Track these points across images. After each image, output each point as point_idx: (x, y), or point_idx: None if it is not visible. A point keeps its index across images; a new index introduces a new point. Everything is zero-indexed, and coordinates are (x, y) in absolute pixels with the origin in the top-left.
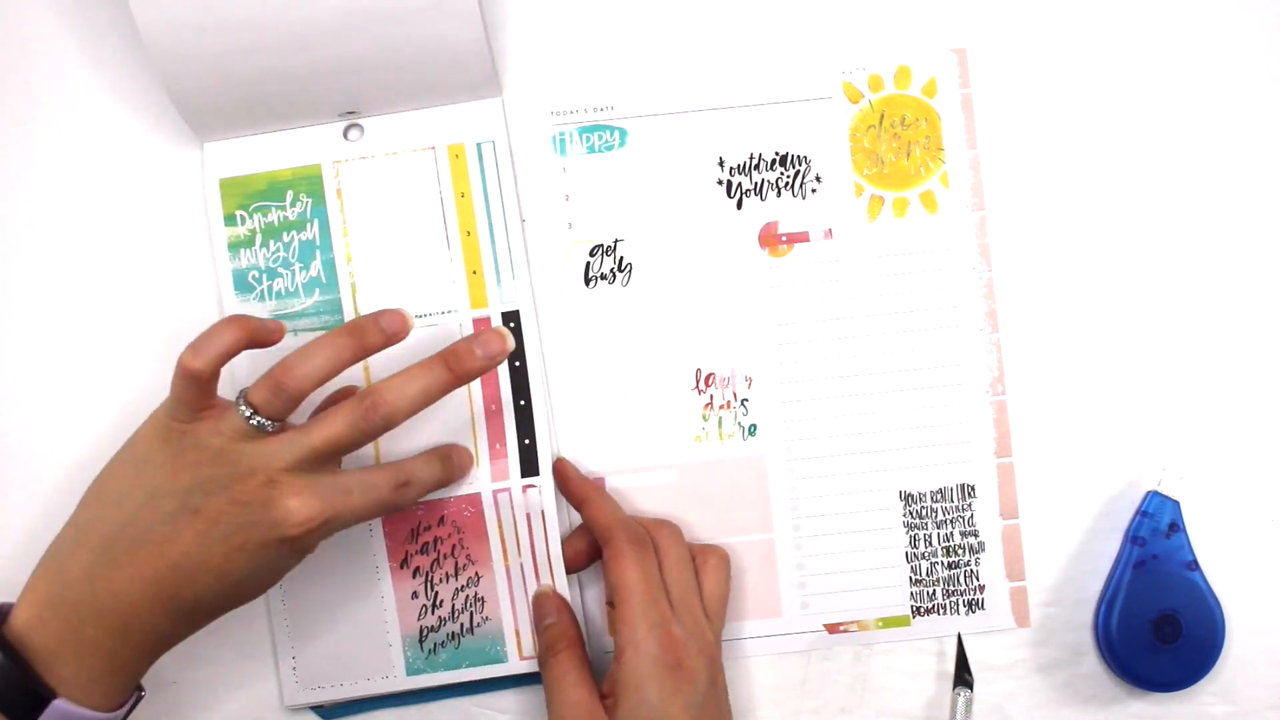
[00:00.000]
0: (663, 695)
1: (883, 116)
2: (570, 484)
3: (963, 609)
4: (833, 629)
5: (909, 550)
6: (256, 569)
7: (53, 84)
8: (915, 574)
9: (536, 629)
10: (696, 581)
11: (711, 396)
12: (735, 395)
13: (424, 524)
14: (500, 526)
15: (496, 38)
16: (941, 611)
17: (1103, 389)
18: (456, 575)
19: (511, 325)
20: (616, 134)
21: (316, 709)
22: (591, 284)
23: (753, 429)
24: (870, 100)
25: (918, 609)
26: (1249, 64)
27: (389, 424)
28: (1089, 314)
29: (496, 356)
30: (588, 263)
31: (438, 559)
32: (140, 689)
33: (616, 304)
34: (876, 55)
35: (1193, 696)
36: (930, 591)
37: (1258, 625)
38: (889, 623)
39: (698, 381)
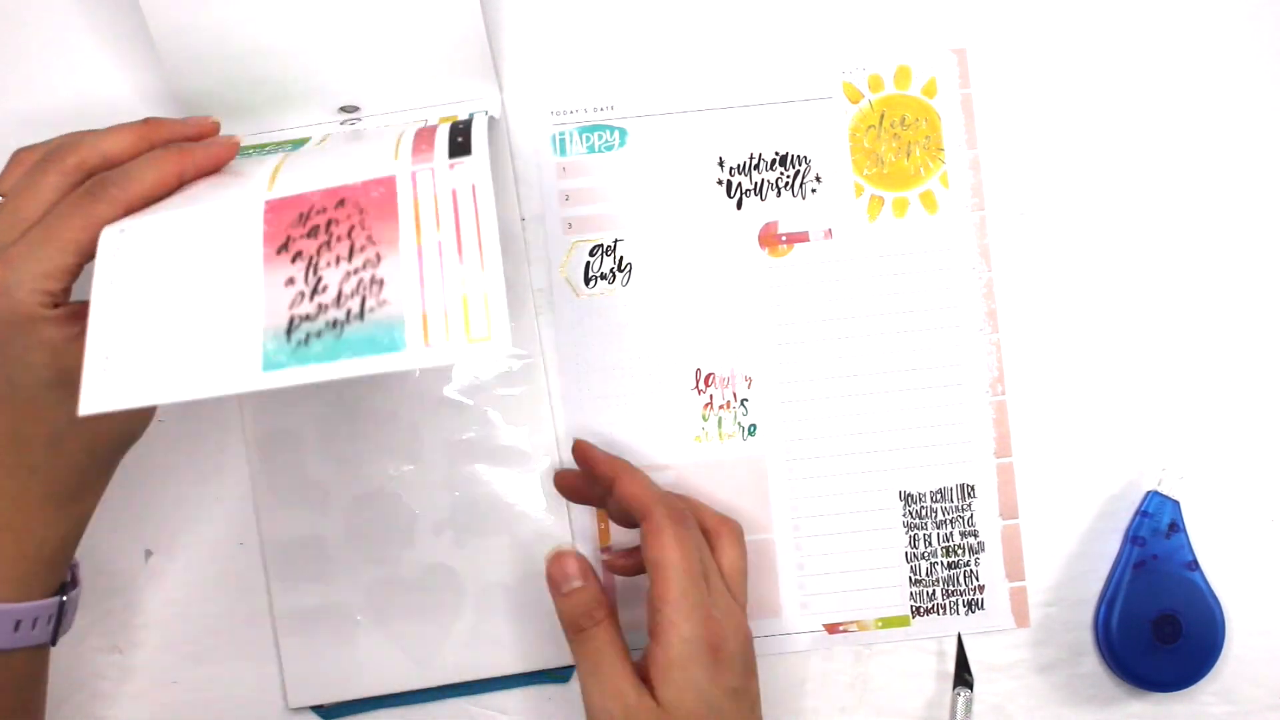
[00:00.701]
0: (708, 678)
1: (882, 116)
2: (598, 463)
3: (962, 609)
4: (832, 629)
5: (909, 550)
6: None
7: (55, 83)
8: (915, 574)
9: (555, 593)
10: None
11: (711, 396)
12: (735, 395)
13: (318, 207)
14: (416, 204)
15: (496, 38)
16: (941, 611)
17: (1103, 389)
18: (351, 258)
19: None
20: (616, 134)
21: (316, 709)
22: (591, 284)
23: (752, 429)
24: (870, 100)
25: (917, 609)
26: (1249, 64)
27: (74, 156)
28: (1089, 314)
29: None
30: (587, 263)
31: (328, 242)
32: (73, 578)
33: (616, 304)
34: (876, 55)
35: (1193, 696)
36: (930, 591)
37: (1258, 625)
38: (889, 623)
39: (697, 381)
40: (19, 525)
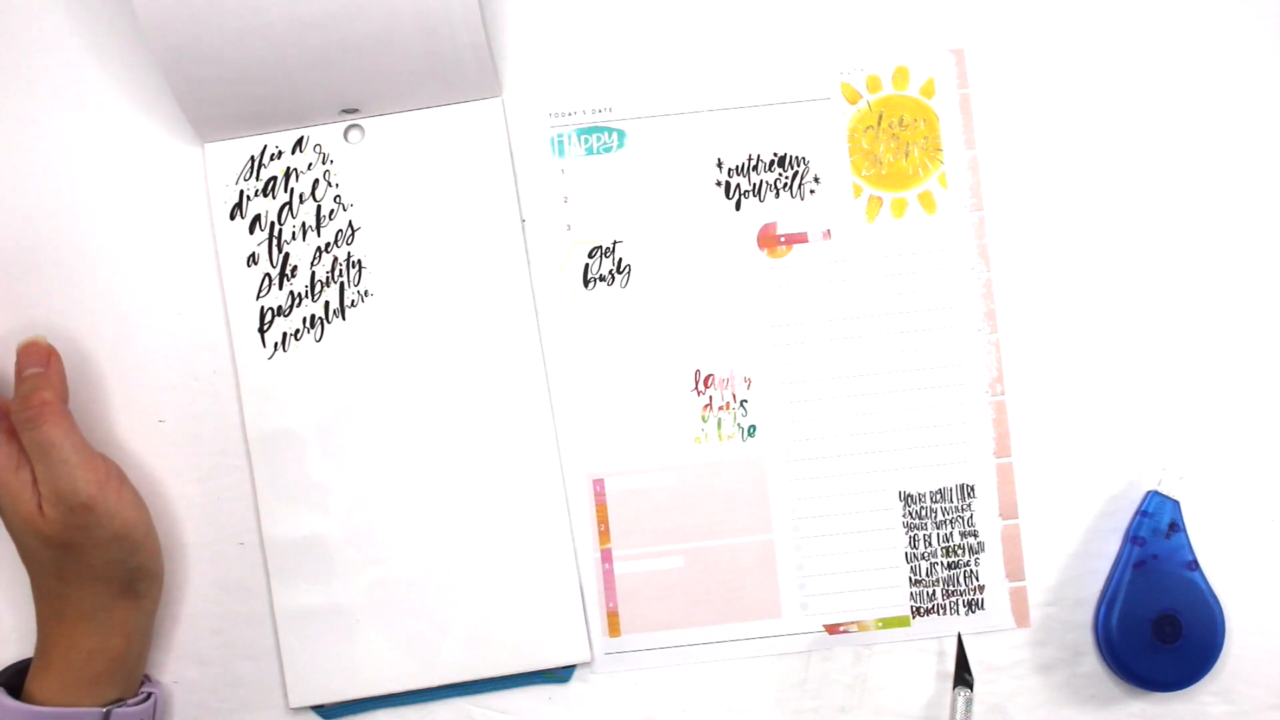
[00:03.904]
0: None
1: (881, 117)
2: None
3: (962, 609)
4: (833, 629)
5: (909, 550)
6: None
7: (55, 84)
8: (915, 574)
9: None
10: None
11: (711, 398)
12: (734, 396)
13: None
14: None
15: (496, 38)
16: (941, 612)
17: (1102, 389)
18: None
19: None
20: (615, 135)
21: (317, 709)
22: (590, 285)
23: (752, 430)
24: (868, 101)
25: (917, 609)
26: (1249, 64)
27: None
28: (1088, 314)
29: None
30: (586, 264)
31: None
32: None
33: (615, 306)
34: (874, 56)
35: (1193, 696)
36: (930, 592)
37: (1258, 625)
38: (889, 623)
39: (697, 383)
40: (64, 638)
